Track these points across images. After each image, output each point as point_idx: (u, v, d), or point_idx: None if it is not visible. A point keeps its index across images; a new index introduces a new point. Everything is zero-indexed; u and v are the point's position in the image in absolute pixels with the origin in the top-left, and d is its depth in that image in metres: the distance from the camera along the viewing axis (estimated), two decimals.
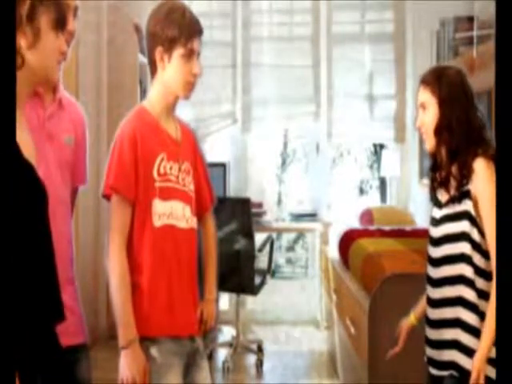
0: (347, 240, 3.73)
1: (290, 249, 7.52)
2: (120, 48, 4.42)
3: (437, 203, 1.89)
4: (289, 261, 7.47)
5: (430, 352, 1.86)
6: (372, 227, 4.15)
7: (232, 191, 4.92)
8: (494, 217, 1.65)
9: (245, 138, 5.04)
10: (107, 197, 1.77)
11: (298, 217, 4.85)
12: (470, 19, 3.18)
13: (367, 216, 4.49)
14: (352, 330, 3.03)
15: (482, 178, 1.74)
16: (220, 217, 3.95)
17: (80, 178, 1.84)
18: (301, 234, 7.02)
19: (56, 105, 1.74)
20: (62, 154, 1.73)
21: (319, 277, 4.77)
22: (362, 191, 7.17)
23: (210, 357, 4.14)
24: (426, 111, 1.88)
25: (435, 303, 1.84)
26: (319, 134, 4.95)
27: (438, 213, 1.87)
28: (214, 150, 5.00)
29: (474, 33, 3.06)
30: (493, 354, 1.66)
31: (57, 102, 1.74)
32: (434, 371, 1.85)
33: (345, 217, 4.92)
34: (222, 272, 4.00)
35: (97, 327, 4.24)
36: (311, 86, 4.90)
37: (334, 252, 4.10)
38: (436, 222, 1.86)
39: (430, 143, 1.88)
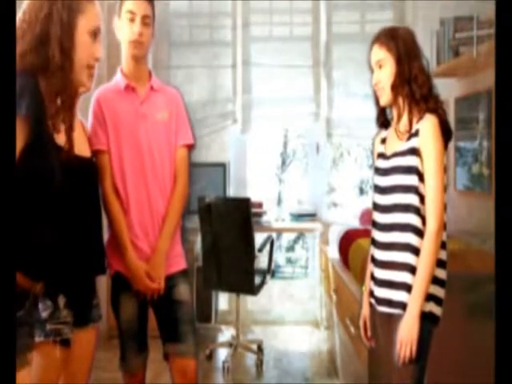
0: (347, 240, 3.73)
1: (290, 249, 7.51)
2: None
3: (383, 156, 2.05)
4: (289, 261, 7.46)
5: (379, 291, 2.00)
6: None
7: (232, 191, 4.92)
8: (436, 172, 1.87)
9: (244, 138, 5.03)
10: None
11: (298, 217, 4.85)
12: (470, 19, 3.18)
13: (367, 216, 4.49)
14: (352, 330, 3.03)
15: (427, 135, 1.89)
16: (220, 217, 3.96)
17: (185, 138, 2.32)
18: (301, 234, 7.01)
19: (147, 91, 2.27)
20: (155, 127, 2.24)
21: (319, 277, 4.77)
22: (362, 191, 7.16)
23: (210, 357, 4.14)
24: (382, 68, 2.01)
25: (385, 246, 1.99)
26: (319, 134, 4.95)
27: (385, 163, 2.02)
28: (213, 150, 4.98)
29: (474, 33, 3.05)
30: (431, 290, 1.89)
31: (148, 89, 2.28)
32: (383, 308, 1.99)
33: (345, 217, 4.91)
34: (222, 272, 4.02)
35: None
36: (311, 86, 4.89)
37: (334, 252, 4.10)
38: (383, 172, 2.02)
39: (387, 98, 2.02)
